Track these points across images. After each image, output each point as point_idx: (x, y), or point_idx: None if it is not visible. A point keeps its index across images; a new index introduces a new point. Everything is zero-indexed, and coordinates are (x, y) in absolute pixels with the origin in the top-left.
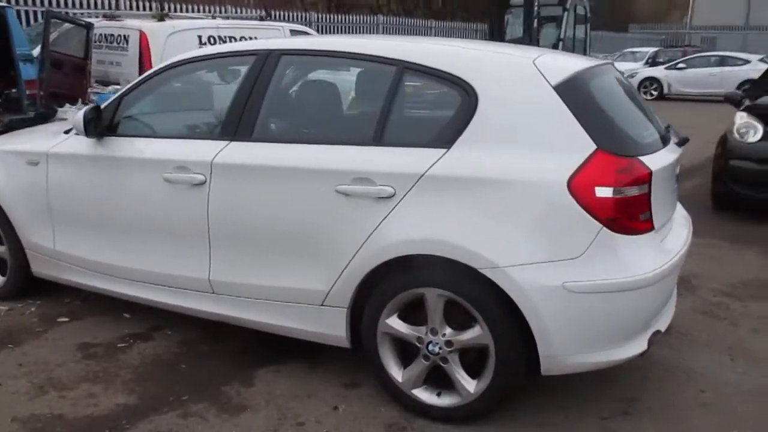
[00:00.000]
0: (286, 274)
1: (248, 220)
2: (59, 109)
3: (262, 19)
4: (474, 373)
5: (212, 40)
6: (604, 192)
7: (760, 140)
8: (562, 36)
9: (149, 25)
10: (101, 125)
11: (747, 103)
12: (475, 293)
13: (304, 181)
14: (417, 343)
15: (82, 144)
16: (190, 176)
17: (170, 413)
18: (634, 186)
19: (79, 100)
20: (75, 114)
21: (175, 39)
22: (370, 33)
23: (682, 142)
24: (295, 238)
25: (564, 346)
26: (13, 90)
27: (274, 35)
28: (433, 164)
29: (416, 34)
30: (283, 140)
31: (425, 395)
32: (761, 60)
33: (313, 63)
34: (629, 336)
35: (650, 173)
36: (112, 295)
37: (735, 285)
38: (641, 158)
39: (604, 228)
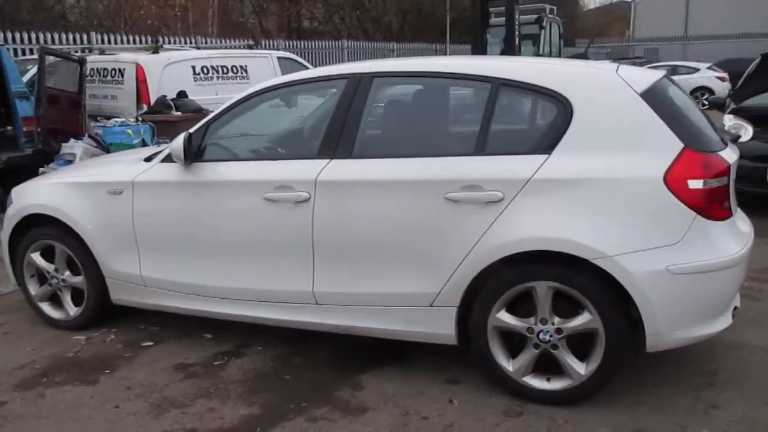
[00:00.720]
0: (393, 279)
1: (355, 232)
2: (64, 145)
3: (250, 47)
4: (580, 356)
5: (205, 70)
6: (695, 184)
7: (751, 139)
8: (540, 53)
9: (145, 58)
10: (191, 152)
11: (733, 106)
12: (584, 282)
13: (412, 192)
14: (527, 334)
15: (170, 171)
16: (294, 194)
17: (297, 419)
18: (717, 178)
19: (86, 134)
20: (76, 147)
21: (171, 70)
22: (336, 58)
23: (734, 140)
24: (404, 244)
25: (667, 324)
26: (8, 128)
27: (263, 63)
28: (538, 169)
29: (380, 57)
30: (384, 156)
31: (535, 381)
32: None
33: (406, 84)
34: (719, 311)
35: (729, 166)
36: (204, 315)
37: (759, 270)
38: (719, 154)
39: (698, 216)
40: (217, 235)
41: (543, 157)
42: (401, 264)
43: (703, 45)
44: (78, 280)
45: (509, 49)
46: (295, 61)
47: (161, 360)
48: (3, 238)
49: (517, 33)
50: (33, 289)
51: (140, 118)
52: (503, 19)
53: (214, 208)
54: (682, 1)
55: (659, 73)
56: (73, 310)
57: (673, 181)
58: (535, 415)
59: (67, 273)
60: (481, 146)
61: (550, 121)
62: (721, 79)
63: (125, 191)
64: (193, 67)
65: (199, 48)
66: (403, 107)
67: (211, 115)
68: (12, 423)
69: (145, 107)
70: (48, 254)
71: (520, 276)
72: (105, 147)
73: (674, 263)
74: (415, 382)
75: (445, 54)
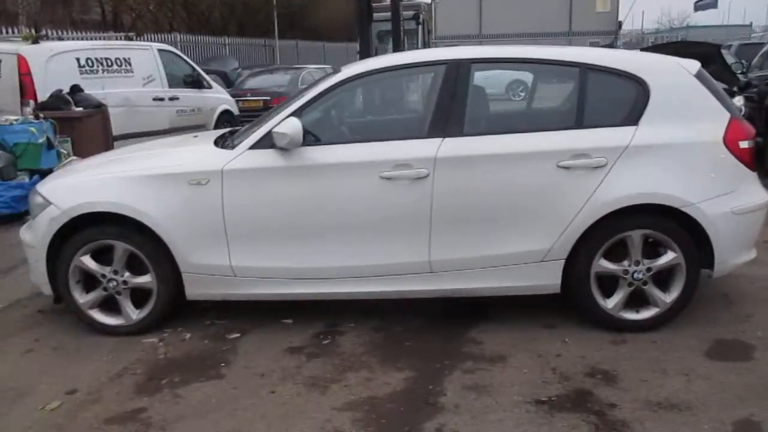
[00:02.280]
0: (509, 241)
1: (474, 201)
2: None
3: (129, 39)
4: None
5: (90, 63)
6: (744, 144)
7: None
8: (418, 46)
9: (26, 49)
10: None
11: None
12: (671, 227)
13: (527, 162)
14: (622, 275)
15: (269, 157)
16: (414, 171)
17: (455, 373)
18: (752, 139)
19: None
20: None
21: (56, 62)
22: None
23: None
24: (519, 209)
25: (728, 254)
26: None
27: (145, 55)
28: (633, 137)
29: (213, 51)
30: (494, 132)
31: (629, 314)
32: None
33: (501, 69)
34: (753, 243)
35: (756, 131)
36: (304, 297)
37: None
38: (746, 121)
39: (747, 169)
40: (329, 216)
41: (633, 128)
42: (517, 226)
43: (496, 42)
44: (144, 279)
45: (395, 44)
46: (174, 53)
47: (266, 347)
48: (40, 242)
49: (402, 28)
50: (80, 296)
51: (41, 115)
52: (379, 14)
53: (325, 190)
54: (475, 3)
55: (698, 62)
56: (135, 313)
57: (730, 142)
58: (637, 341)
59: (127, 274)
60: (579, 121)
61: (633, 99)
62: None
63: (212, 180)
64: (78, 59)
65: (48, 39)
66: (503, 89)
67: (303, 100)
68: (177, 423)
69: (31, 103)
70: (98, 256)
71: (621, 227)
72: (7, 148)
73: (735, 206)
74: (522, 331)
75: (274, 48)
